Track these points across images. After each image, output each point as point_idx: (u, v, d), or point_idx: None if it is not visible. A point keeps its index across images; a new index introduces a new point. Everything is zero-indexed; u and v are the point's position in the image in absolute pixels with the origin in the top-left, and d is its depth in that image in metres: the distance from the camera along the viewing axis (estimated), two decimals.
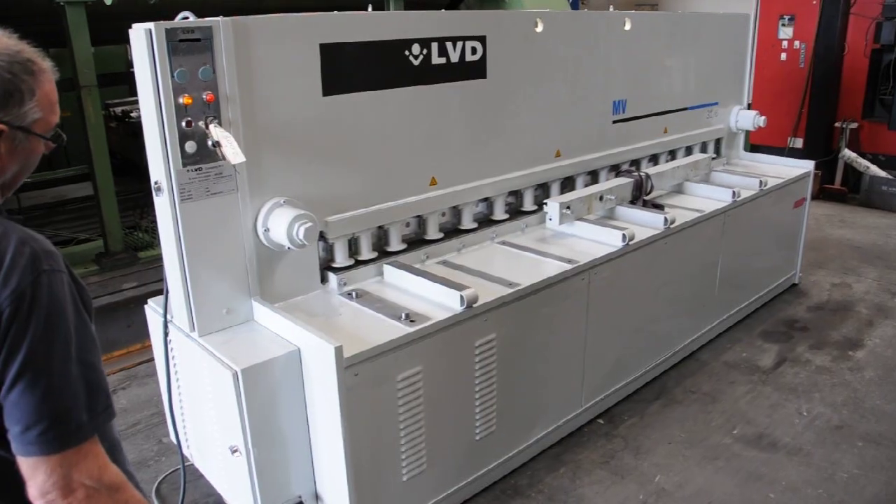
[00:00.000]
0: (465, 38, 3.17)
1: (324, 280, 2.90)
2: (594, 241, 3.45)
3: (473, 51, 3.22)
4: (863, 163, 7.52)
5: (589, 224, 3.53)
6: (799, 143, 8.00)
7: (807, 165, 5.02)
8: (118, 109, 8.02)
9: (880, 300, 4.97)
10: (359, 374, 2.37)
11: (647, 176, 4.04)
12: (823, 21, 7.66)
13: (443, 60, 3.11)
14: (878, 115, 7.58)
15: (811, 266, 5.55)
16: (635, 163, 4.35)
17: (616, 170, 4.22)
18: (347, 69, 2.80)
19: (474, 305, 2.66)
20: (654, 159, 4.53)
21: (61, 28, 4.64)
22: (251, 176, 2.56)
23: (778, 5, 7.96)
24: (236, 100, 2.46)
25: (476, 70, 3.27)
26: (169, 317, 2.68)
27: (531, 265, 3.19)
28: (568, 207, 3.52)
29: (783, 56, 8.03)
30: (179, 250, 2.47)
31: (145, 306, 2.96)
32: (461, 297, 2.62)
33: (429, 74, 3.08)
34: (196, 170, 2.43)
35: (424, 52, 3.03)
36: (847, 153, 7.63)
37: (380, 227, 3.06)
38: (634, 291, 3.59)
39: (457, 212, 3.39)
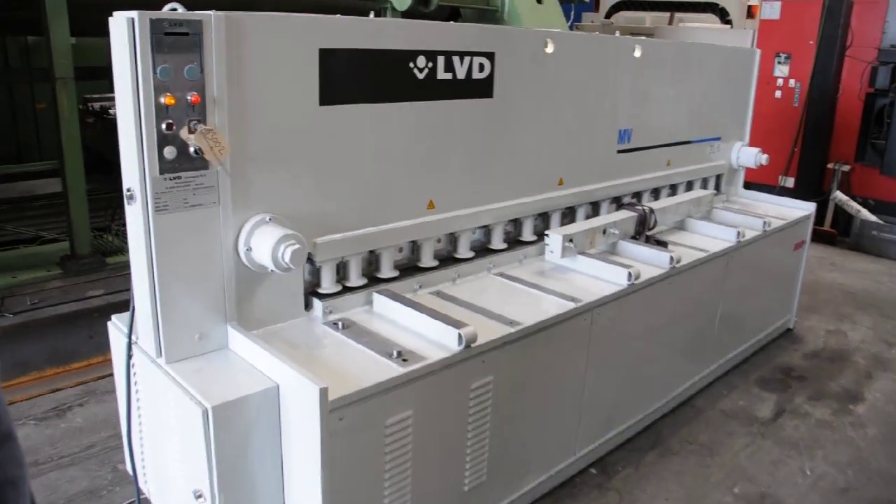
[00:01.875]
0: (473, 54, 2.95)
1: (308, 307, 2.65)
2: (596, 277, 3.24)
3: (481, 67, 3.01)
4: (854, 206, 7.41)
5: (592, 259, 3.32)
6: (790, 182, 7.88)
7: (807, 207, 4.86)
8: (97, 105, 7.68)
9: (877, 350, 4.81)
10: (344, 418, 2.11)
11: (651, 210, 3.84)
12: (819, 62, 7.57)
13: (449, 76, 2.89)
14: (870, 160, 7.49)
15: (804, 311, 5.39)
16: (637, 195, 4.16)
17: (618, 202, 4.02)
18: (348, 78, 2.57)
19: (473, 345, 2.43)
20: (655, 193, 4.34)
21: (40, 16, 4.36)
22: (235, 188, 2.31)
23: (774, 43, 7.86)
24: (224, 103, 2.22)
25: (483, 88, 3.05)
26: (134, 338, 2.42)
27: (531, 301, 2.96)
28: (570, 240, 3.30)
29: (778, 94, 7.93)
30: (150, 266, 2.22)
31: (108, 322, 2.69)
32: (460, 335, 2.38)
33: (433, 90, 2.85)
34: (174, 178, 2.18)
35: (430, 65, 2.81)
36: (839, 195, 7.51)
37: (371, 252, 2.82)
38: (635, 333, 3.38)
39: (453, 239, 3.16)
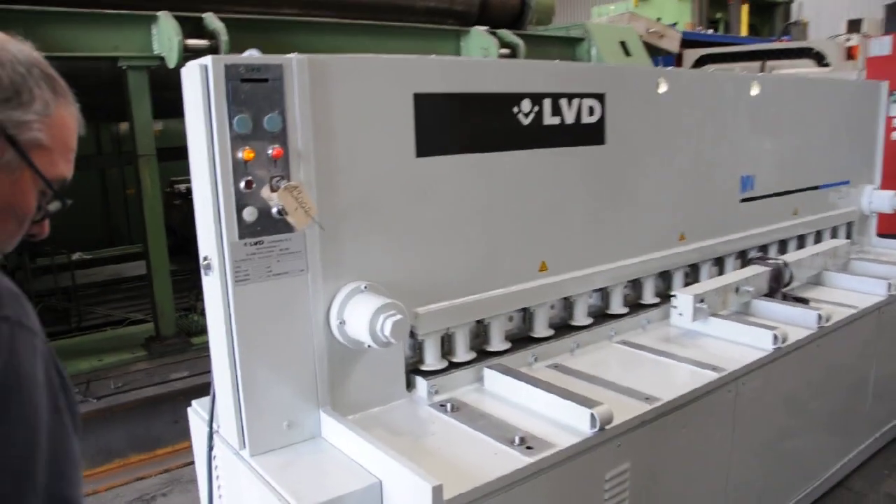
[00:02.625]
0: (581, 96, 2.63)
1: (410, 386, 2.31)
2: (734, 342, 2.80)
3: (591, 111, 2.68)
4: None
5: (726, 321, 2.89)
6: None
7: None
8: (183, 187, 7.70)
9: None
10: None
11: (786, 264, 3.39)
12: None
13: (556, 121, 2.57)
14: None
15: None
16: (763, 249, 3.71)
17: (743, 258, 3.59)
18: (447, 125, 2.28)
19: (607, 427, 2.04)
20: (782, 246, 3.88)
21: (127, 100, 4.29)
22: (325, 253, 2.02)
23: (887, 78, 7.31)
24: (310, 157, 1.95)
25: (593, 134, 2.72)
26: (215, 426, 2.12)
27: (663, 372, 2.55)
28: (702, 300, 2.88)
29: (895, 135, 7.33)
30: (230, 344, 1.92)
31: (188, 408, 2.41)
32: (593, 416, 2.00)
33: (540, 137, 2.53)
34: (256, 243, 1.90)
35: (536, 109, 2.50)
36: None
37: (479, 322, 2.48)
38: (781, 406, 2.91)
39: (568, 304, 2.79)
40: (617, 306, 2.93)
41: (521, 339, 2.61)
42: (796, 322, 2.99)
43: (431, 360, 2.32)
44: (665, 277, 3.24)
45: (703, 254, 3.28)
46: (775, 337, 2.71)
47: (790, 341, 2.77)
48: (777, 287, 3.33)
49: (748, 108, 3.46)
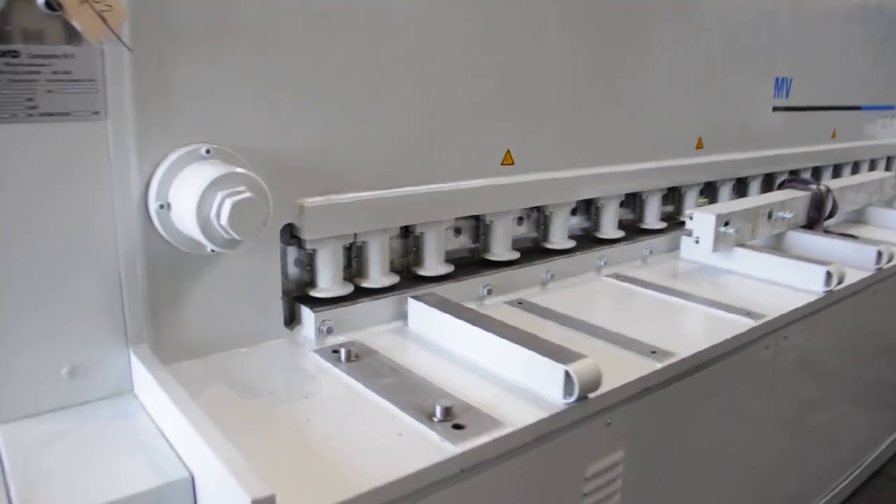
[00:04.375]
0: None
1: (293, 320, 1.53)
2: (768, 281, 2.04)
3: None
4: None
5: (757, 253, 2.11)
6: None
7: None
8: None
9: None
10: None
11: (829, 190, 2.61)
12: None
13: None
14: None
15: None
16: (793, 174, 2.93)
17: (768, 184, 2.82)
18: None
19: (591, 396, 1.26)
20: (815, 174, 3.10)
21: None
22: (143, 90, 1.21)
23: None
24: None
25: None
26: None
27: (673, 318, 1.77)
28: (727, 223, 2.10)
29: None
30: None
31: None
32: (568, 375, 1.21)
33: None
34: (8, 55, 1.08)
35: None
36: None
37: (407, 232, 1.69)
38: (822, 369, 2.15)
39: (542, 219, 2.01)
40: (609, 228, 2.15)
41: (471, 264, 1.83)
42: (846, 261, 2.21)
43: (326, 283, 1.52)
44: (674, 197, 2.46)
45: (722, 170, 2.50)
46: (829, 275, 1.94)
47: (845, 283, 2.00)
48: (818, 218, 2.56)
49: None
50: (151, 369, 1.19)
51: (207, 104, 1.28)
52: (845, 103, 3.22)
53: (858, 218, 3.00)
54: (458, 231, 1.82)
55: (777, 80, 2.72)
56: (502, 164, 1.78)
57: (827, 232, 2.55)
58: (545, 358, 1.24)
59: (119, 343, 1.25)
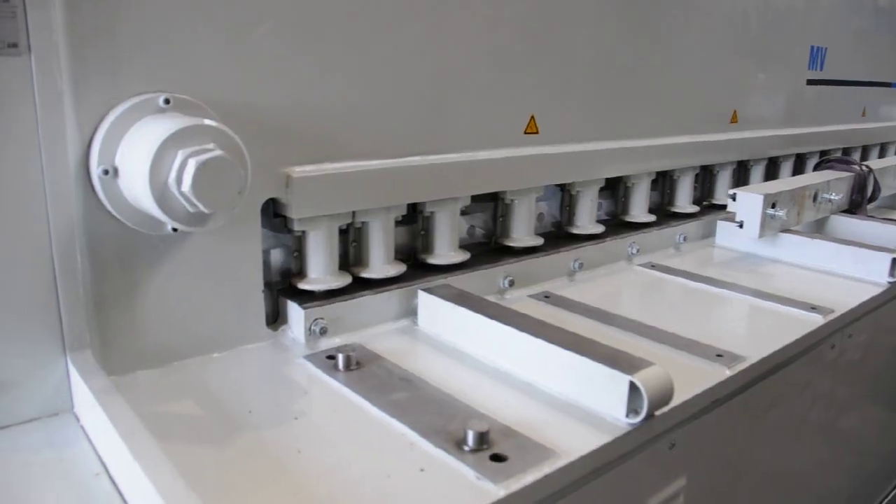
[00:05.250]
0: None
1: (276, 318, 1.25)
2: (823, 271, 1.78)
3: None
4: None
5: (810, 240, 1.86)
6: None
7: None
8: None
9: None
10: None
11: (870, 170, 2.36)
12: None
13: None
14: None
15: None
16: (823, 154, 2.69)
17: (798, 164, 2.57)
18: None
19: (657, 413, 0.99)
20: (844, 154, 2.86)
21: None
22: (82, 18, 0.93)
23: None
24: None
25: None
26: None
27: (728, 314, 1.51)
28: (774, 205, 1.84)
29: None
30: None
31: None
32: (634, 385, 0.94)
33: None
34: None
35: None
36: None
37: (414, 210, 1.41)
38: (879, 369, 1.91)
39: (568, 199, 1.74)
40: (639, 211, 1.89)
41: (490, 252, 1.55)
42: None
43: (319, 273, 1.25)
44: (706, 178, 2.21)
45: (757, 148, 2.25)
46: (894, 263, 1.68)
47: None
48: (860, 201, 2.31)
49: None
50: (89, 381, 0.91)
51: (167, 41, 1.00)
52: (876, 79, 2.98)
53: (893, 203, 2.75)
54: (464, 212, 1.54)
55: (813, 49, 2.47)
56: (525, 133, 1.51)
57: (870, 216, 2.30)
58: (602, 365, 0.97)
59: (53, 350, 0.97)
